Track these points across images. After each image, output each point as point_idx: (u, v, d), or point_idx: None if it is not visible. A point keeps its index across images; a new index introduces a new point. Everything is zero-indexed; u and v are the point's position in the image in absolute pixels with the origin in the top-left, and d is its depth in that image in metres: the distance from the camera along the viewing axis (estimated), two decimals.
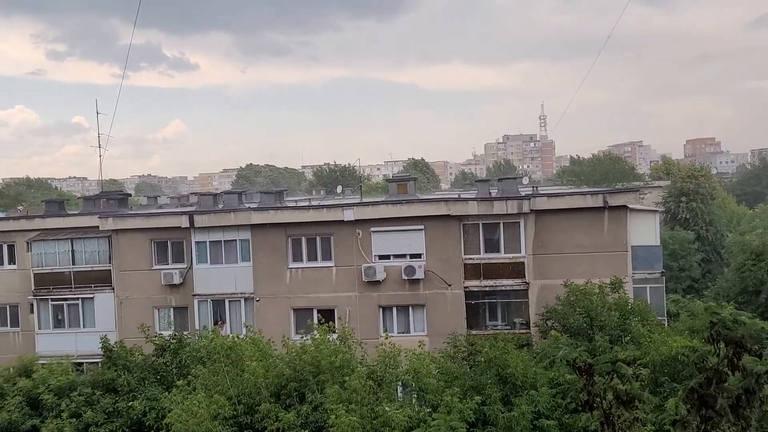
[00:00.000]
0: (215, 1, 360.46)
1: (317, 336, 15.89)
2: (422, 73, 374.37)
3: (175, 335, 19.77)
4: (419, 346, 17.32)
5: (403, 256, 25.67)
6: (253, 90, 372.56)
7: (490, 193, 27.75)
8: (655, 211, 27.53)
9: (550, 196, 26.37)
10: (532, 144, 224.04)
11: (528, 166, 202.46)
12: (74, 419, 16.84)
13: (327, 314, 25.62)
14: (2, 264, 29.35)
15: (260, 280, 26.41)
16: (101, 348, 19.75)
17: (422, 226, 25.49)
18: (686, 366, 15.71)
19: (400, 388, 16.25)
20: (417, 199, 28.05)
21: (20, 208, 52.40)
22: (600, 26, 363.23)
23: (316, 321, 25.18)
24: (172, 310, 27.25)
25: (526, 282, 24.88)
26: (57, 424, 16.46)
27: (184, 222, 26.64)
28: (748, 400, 6.98)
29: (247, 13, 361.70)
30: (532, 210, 24.75)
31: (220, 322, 26.57)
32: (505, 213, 24.80)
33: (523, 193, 26.77)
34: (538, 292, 24.75)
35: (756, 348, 7.13)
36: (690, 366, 15.10)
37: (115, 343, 20.66)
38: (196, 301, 26.76)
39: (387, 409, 13.70)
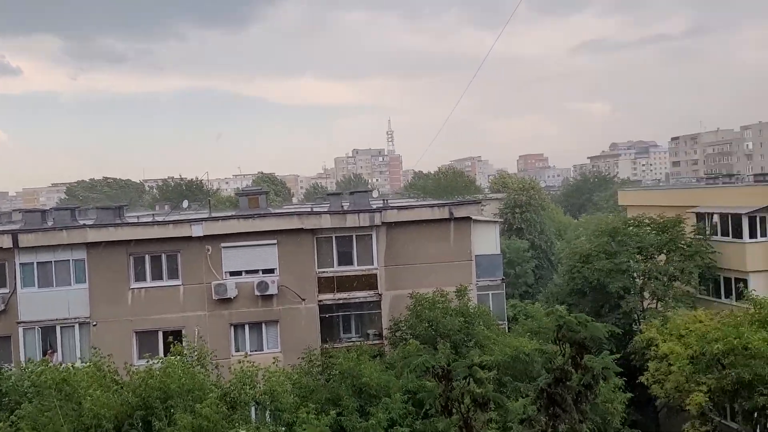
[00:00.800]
0: (40, 1, 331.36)
1: (166, 358, 14.95)
2: (273, 86, 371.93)
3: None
4: (274, 362, 16.96)
5: (256, 271, 25.08)
6: (88, 98, 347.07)
7: (342, 207, 28.01)
8: (495, 222, 29.39)
9: (399, 208, 27.19)
10: (380, 158, 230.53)
11: (377, 180, 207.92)
12: None
13: (174, 335, 24.31)
14: None
15: (98, 303, 24.43)
16: None
17: (275, 241, 25.10)
18: (528, 365, 16.87)
19: (254, 409, 15.77)
20: (269, 213, 27.60)
21: None
22: (442, 47, 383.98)
23: (162, 343, 24.06)
24: None
25: (378, 293, 25.37)
26: None
27: (6, 242, 23.97)
28: (587, 395, 7.64)
29: (78, 17, 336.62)
30: (383, 222, 25.34)
31: (50, 351, 24.15)
32: (358, 226, 25.16)
33: (374, 206, 27.34)
34: (390, 302, 25.34)
35: (594, 348, 7.85)
36: (533, 365, 16.23)
37: None
38: (20, 330, 24.12)
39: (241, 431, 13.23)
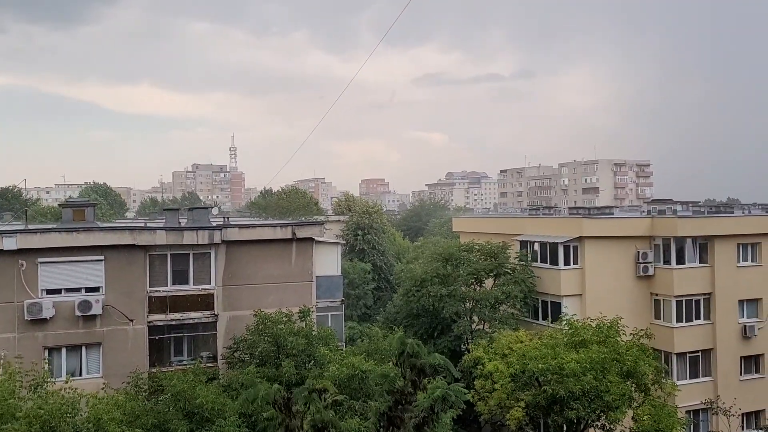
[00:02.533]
0: None
1: None
2: (105, 92, 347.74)
3: None
4: (102, 388, 15.64)
5: (78, 289, 23.06)
6: None
7: (179, 223, 26.77)
8: (337, 243, 29.72)
9: (241, 227, 26.54)
10: (222, 174, 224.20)
11: (218, 197, 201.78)
12: None
13: None
14: None
15: None
16: None
17: (102, 257, 23.30)
18: (363, 383, 17.13)
19: None
20: (97, 227, 25.57)
21: None
22: (287, 66, 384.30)
23: None
24: None
25: (215, 314, 24.46)
26: None
27: None
28: (432, 419, 7.99)
29: None
30: (223, 241, 24.58)
31: None
32: (196, 243, 24.16)
33: (214, 224, 26.45)
34: (227, 323, 24.54)
35: (433, 373, 8.23)
36: (368, 383, 16.49)
37: None
38: None
39: None
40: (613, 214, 39.33)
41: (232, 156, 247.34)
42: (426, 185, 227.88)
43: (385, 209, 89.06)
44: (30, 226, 27.08)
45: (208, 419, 15.34)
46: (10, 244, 22.11)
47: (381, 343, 22.80)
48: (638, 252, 33.31)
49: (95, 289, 23.23)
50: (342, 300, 27.73)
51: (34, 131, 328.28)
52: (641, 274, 33.31)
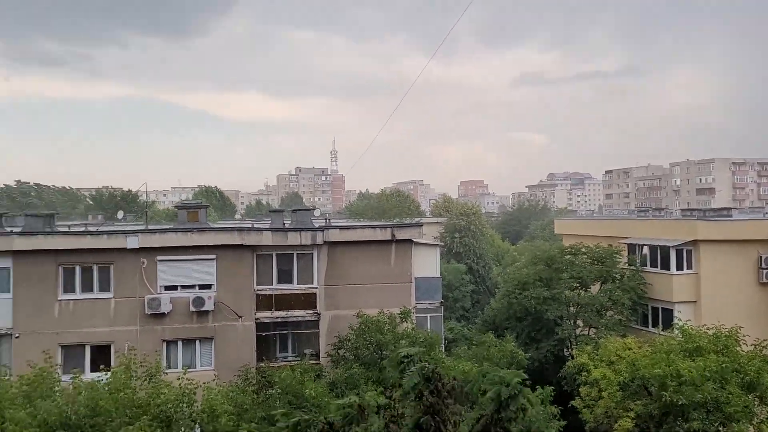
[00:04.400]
0: None
1: (103, 379, 14.30)
2: (215, 99, 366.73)
3: None
4: (214, 380, 16.51)
5: (193, 286, 24.48)
6: (20, 100, 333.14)
7: (284, 224, 27.77)
8: (436, 245, 29.73)
9: (342, 228, 27.15)
10: (323, 177, 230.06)
11: (319, 199, 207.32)
12: None
13: (102, 350, 23.48)
14: None
15: (21, 314, 23.26)
16: None
17: (214, 256, 24.60)
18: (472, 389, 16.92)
19: (191, 428, 15.28)
20: (209, 227, 27.03)
21: None
22: (387, 70, 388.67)
23: (89, 358, 23.11)
24: None
25: (317, 312, 25.17)
26: None
27: None
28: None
29: (14, 16, 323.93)
30: (325, 241, 25.24)
31: None
32: (299, 244, 24.97)
33: (316, 225, 27.22)
34: (329, 322, 25.17)
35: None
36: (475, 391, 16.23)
37: None
38: None
39: None
40: (731, 216, 36.80)
41: (333, 159, 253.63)
42: (526, 187, 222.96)
43: (483, 211, 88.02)
44: (149, 227, 29.05)
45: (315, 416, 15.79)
46: (133, 243, 23.82)
47: (492, 351, 22.47)
48: (761, 257, 30.96)
49: (208, 287, 24.56)
50: (441, 302, 27.69)
51: (153, 138, 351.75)
52: (764, 280, 30.93)
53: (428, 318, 26.76)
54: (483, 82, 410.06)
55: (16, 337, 23.06)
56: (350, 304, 24.85)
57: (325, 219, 36.91)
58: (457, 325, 38.93)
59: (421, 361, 8.25)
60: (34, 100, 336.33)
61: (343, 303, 25.21)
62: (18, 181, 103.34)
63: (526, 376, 8.34)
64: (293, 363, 22.59)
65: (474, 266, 54.76)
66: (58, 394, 14.29)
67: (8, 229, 26.80)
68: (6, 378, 15.44)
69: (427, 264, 27.42)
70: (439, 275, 28.41)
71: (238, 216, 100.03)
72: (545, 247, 37.18)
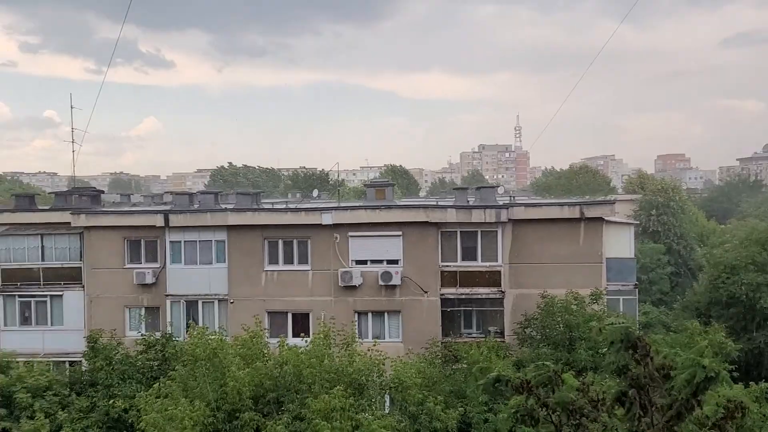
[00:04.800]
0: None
1: (303, 345, 15.60)
2: (400, 80, 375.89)
3: (165, 334, 19.61)
4: (407, 354, 17.22)
5: (381, 261, 25.63)
6: (230, 90, 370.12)
7: (468, 202, 27.87)
8: (630, 224, 27.92)
9: (527, 206, 26.58)
10: (507, 154, 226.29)
11: (502, 176, 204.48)
12: (47, 419, 16.43)
13: (302, 318, 25.55)
14: None
15: (235, 282, 26.12)
16: (87, 342, 19.19)
17: (400, 232, 25.48)
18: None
19: (381, 397, 16.17)
20: (396, 204, 28.04)
21: None
22: (575, 41, 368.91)
23: (291, 324, 25.28)
24: (143, 309, 26.77)
25: (501, 291, 25.02)
26: (32, 425, 15.98)
27: (159, 221, 26.23)
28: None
29: (225, 13, 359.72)
30: (509, 219, 24.92)
31: (192, 323, 26.15)
32: (483, 221, 24.92)
33: (500, 202, 26.94)
34: (514, 301, 24.90)
35: None
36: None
37: (92, 336, 20.19)
38: (168, 302, 26.34)
39: (369, 417, 13.58)
40: None
41: (517, 135, 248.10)
42: (737, 160, 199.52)
43: (684, 187, 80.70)
44: (341, 204, 30.86)
45: (502, 393, 15.80)
46: (327, 219, 25.51)
47: (697, 340, 20.71)
48: None
49: (395, 262, 25.55)
50: (635, 284, 26.04)
51: (343, 120, 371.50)
52: None
53: (620, 300, 25.33)
54: (684, 45, 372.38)
55: (231, 303, 25.98)
56: (536, 283, 24.35)
57: (509, 196, 36.35)
58: (654, 309, 36.34)
59: (627, 331, 7.71)
60: (241, 89, 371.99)
61: (529, 282, 24.77)
62: (230, 164, 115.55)
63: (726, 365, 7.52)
64: (477, 340, 22.76)
65: (674, 247, 50.54)
66: (267, 357, 15.81)
67: (223, 206, 30.12)
68: (224, 337, 17.37)
69: (619, 243, 25.90)
70: (632, 255, 26.69)
71: (422, 194, 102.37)
72: (762, 227, 33.11)
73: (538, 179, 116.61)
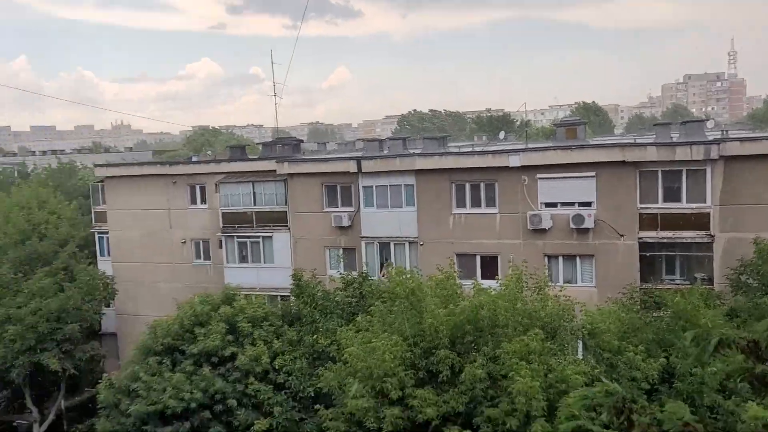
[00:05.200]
0: None
1: (493, 287, 15.66)
2: (593, 10, 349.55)
3: (361, 273, 21.00)
4: (601, 300, 16.60)
5: (571, 204, 24.61)
6: (414, 35, 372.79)
7: (671, 138, 25.49)
8: None
9: (743, 140, 23.62)
10: (718, 84, 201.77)
11: (712, 108, 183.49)
12: (265, 347, 18.57)
13: (490, 261, 25.62)
14: (196, 203, 32.59)
15: (424, 225, 26.81)
16: (293, 280, 21.13)
17: (593, 173, 24.16)
18: None
19: (576, 344, 15.82)
20: (588, 144, 26.58)
21: (209, 153, 57.59)
22: None
23: (479, 267, 25.48)
24: (341, 250, 28.67)
25: (710, 234, 22.79)
26: (254, 350, 18.21)
27: (352, 167, 27.62)
28: None
29: None
30: (720, 156, 22.38)
31: (386, 264, 27.54)
32: (690, 159, 22.68)
33: (710, 138, 24.25)
34: (724, 246, 22.59)
35: None
36: None
37: (296, 274, 22.14)
38: (363, 243, 27.89)
39: (562, 362, 13.38)
40: None
41: (731, 61, 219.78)
42: None
43: None
44: (529, 146, 29.97)
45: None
46: (514, 161, 24.96)
47: None
48: None
49: (587, 204, 24.37)
50: None
51: (530, 58, 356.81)
52: None
53: None
54: None
55: (421, 245, 26.81)
56: (753, 227, 21.78)
57: (721, 131, 32.57)
58: None
59: None
60: (425, 34, 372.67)
61: (744, 225, 22.24)
62: (415, 110, 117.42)
63: None
64: (681, 287, 21.09)
65: None
66: (461, 299, 16.12)
67: (411, 151, 30.83)
68: (420, 277, 17.72)
69: None
70: None
71: (618, 132, 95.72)
72: None
73: (757, 110, 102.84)
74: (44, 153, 77.39)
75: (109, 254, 34.41)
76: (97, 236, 35.14)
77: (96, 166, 36.43)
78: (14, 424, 33.77)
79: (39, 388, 30.01)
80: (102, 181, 34.68)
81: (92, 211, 36.35)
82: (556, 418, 12.70)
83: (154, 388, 17.82)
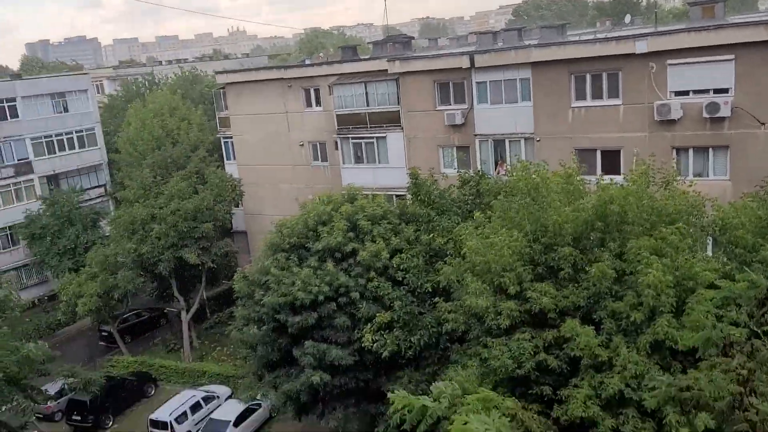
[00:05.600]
0: None
1: (628, 185, 14.98)
2: None
3: (478, 171, 20.93)
4: (736, 194, 15.52)
5: (705, 91, 22.64)
6: None
7: None
8: None
9: None
10: None
11: None
12: (383, 243, 19.32)
13: (611, 155, 24.51)
14: (311, 106, 33.33)
15: (540, 120, 25.87)
16: (410, 178, 21.51)
17: (732, 56, 21.91)
18: None
19: (706, 240, 15.09)
20: (727, 23, 23.95)
21: (321, 55, 57.90)
22: None
23: (599, 162, 24.48)
24: (454, 149, 28.50)
25: None
26: (374, 247, 19.04)
27: (464, 62, 26.81)
28: None
29: None
30: None
31: (500, 162, 27.13)
32: None
33: None
34: None
35: None
36: None
37: (413, 172, 22.36)
38: (477, 141, 27.49)
39: (690, 259, 12.85)
40: None
41: None
42: None
43: None
44: (658, 29, 27.50)
45: None
46: (641, 47, 23.10)
47: None
48: None
49: (723, 91, 22.34)
50: None
51: None
52: None
53: None
54: None
55: (537, 141, 26.02)
56: None
57: None
58: None
59: None
60: None
61: None
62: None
63: None
64: None
65: None
66: (585, 195, 15.57)
67: (527, 42, 29.34)
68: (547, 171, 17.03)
69: None
70: None
71: (762, 8, 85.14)
72: None
73: None
74: (170, 62, 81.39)
75: (234, 158, 36.40)
76: (222, 141, 37.15)
77: (217, 73, 37.90)
78: (165, 311, 38.02)
79: (183, 280, 33.29)
80: (223, 87, 36.13)
81: (216, 116, 38.25)
82: (684, 314, 12.42)
83: (283, 282, 19.18)
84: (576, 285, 13.96)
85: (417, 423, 5.39)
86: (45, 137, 43.73)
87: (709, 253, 15.49)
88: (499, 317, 13.87)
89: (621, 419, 12.39)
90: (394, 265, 18.97)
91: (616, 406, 12.74)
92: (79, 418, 28.13)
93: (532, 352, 13.32)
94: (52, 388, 27.59)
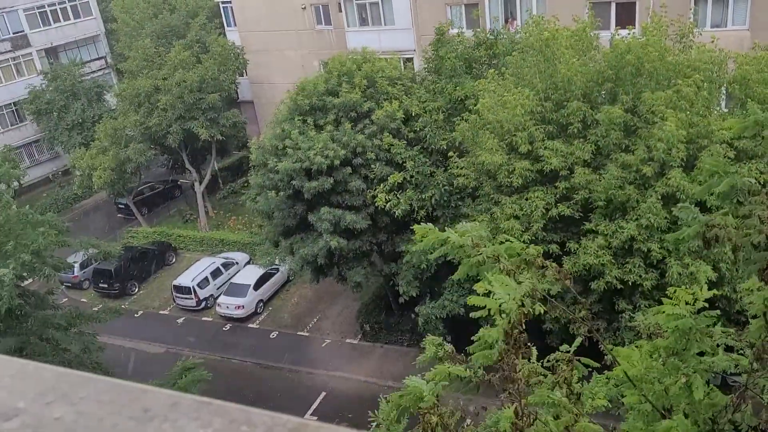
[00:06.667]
0: None
1: (643, 36, 14.48)
2: None
3: (492, 31, 20.37)
4: (754, 46, 15.01)
5: None
6: None
7: None
8: None
9: None
10: None
11: None
12: (397, 102, 19.28)
13: (626, 8, 23.49)
14: None
15: None
16: (435, 34, 20.92)
17: None
18: None
19: (718, 93, 14.84)
20: None
21: None
22: None
23: (614, 15, 23.51)
24: (463, 6, 27.30)
25: None
26: (389, 107, 19.04)
27: None
28: None
29: None
30: None
31: (510, 19, 26.11)
32: None
33: None
34: None
35: None
36: None
37: (440, 29, 21.70)
38: None
39: (706, 117, 12.75)
40: None
41: None
42: None
43: None
44: None
45: None
46: None
47: None
48: None
49: None
50: None
51: None
52: None
53: None
54: None
55: None
56: None
57: None
58: None
59: None
60: None
61: None
62: None
63: None
64: None
65: None
66: (596, 50, 15.15)
67: None
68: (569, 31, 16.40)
69: None
70: None
71: None
72: None
73: None
74: None
75: (235, 24, 35.12)
76: (221, 6, 35.64)
77: None
78: (179, 183, 38.61)
79: (194, 152, 33.46)
80: None
81: None
82: (695, 169, 12.52)
83: (300, 147, 19.31)
84: (585, 140, 14.03)
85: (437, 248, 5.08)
86: (38, 8, 42.11)
87: (724, 108, 15.32)
88: (512, 176, 14.08)
89: (627, 268, 12.98)
90: (414, 128, 18.98)
91: (622, 257, 13.28)
92: (105, 285, 29.60)
93: (545, 209, 13.68)
94: (72, 259, 28.63)
